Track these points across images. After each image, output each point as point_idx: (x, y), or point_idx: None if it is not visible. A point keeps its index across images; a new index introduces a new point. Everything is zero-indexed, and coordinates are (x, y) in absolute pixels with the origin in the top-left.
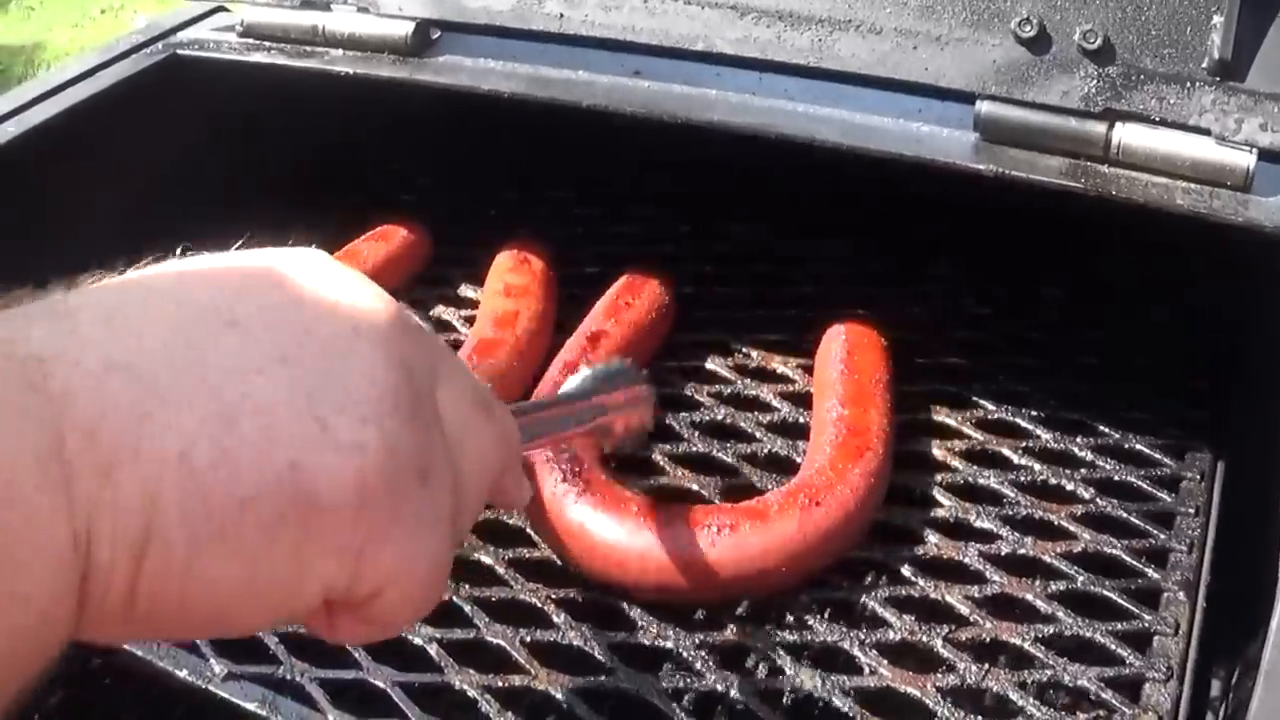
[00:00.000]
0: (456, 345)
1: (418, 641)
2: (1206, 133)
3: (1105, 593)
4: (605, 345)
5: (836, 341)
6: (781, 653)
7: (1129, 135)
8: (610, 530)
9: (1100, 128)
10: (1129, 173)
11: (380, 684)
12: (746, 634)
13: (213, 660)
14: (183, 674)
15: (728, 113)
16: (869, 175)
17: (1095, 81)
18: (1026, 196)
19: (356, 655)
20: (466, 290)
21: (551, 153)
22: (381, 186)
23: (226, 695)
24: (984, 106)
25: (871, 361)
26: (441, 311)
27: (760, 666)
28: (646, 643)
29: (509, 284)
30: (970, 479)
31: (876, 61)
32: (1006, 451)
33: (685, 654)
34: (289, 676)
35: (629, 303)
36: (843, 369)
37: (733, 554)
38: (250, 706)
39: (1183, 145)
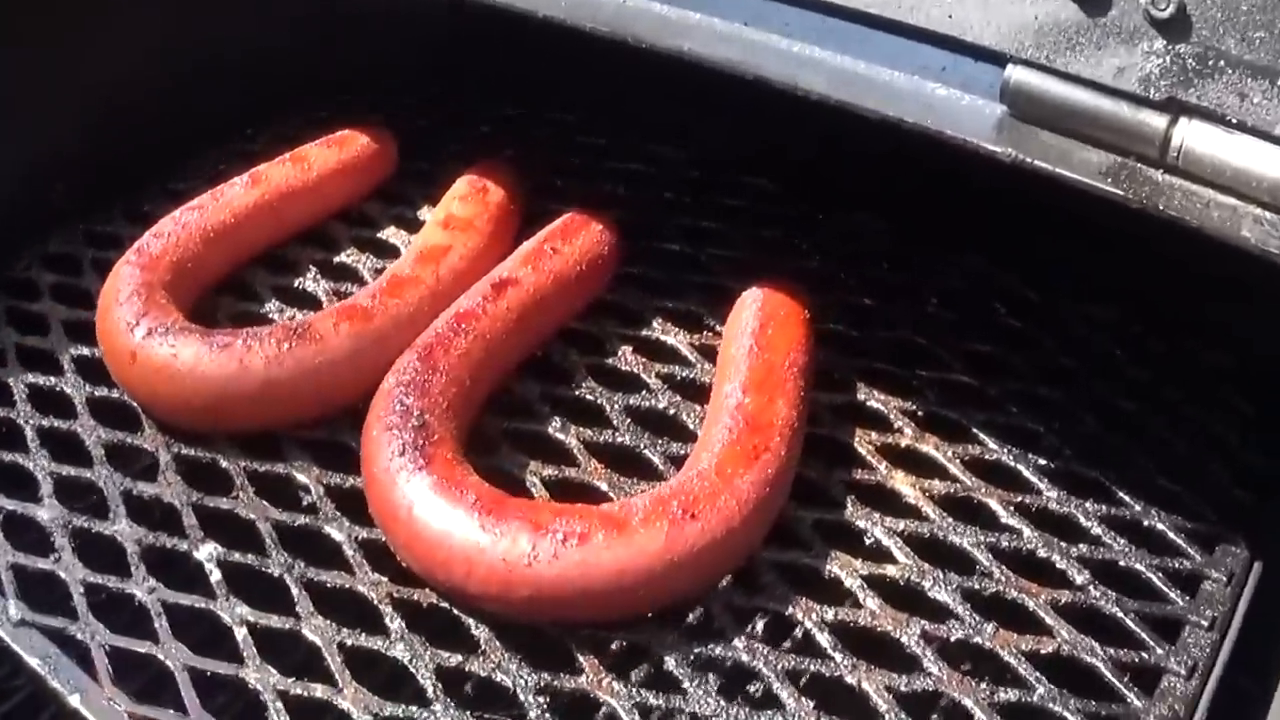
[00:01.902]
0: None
1: (226, 620)
2: None
3: (1066, 715)
4: (512, 296)
5: (749, 310)
6: (637, 717)
7: (1194, 136)
8: (438, 520)
9: (1159, 121)
10: (1188, 184)
11: (171, 664)
12: (603, 686)
13: (11, 601)
14: None
15: (704, 42)
16: (872, 137)
17: (1161, 60)
18: (1052, 194)
19: (156, 627)
20: (425, 213)
21: (561, 73)
22: (372, 89)
23: (10, 642)
24: (1015, 73)
25: (788, 338)
26: (390, 234)
27: None
28: (480, 673)
29: (451, 215)
30: (937, 533)
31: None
32: (994, 504)
33: (521, 695)
34: (80, 637)
35: (555, 249)
36: (752, 345)
37: (579, 570)
38: (33, 662)
39: (1261, 160)
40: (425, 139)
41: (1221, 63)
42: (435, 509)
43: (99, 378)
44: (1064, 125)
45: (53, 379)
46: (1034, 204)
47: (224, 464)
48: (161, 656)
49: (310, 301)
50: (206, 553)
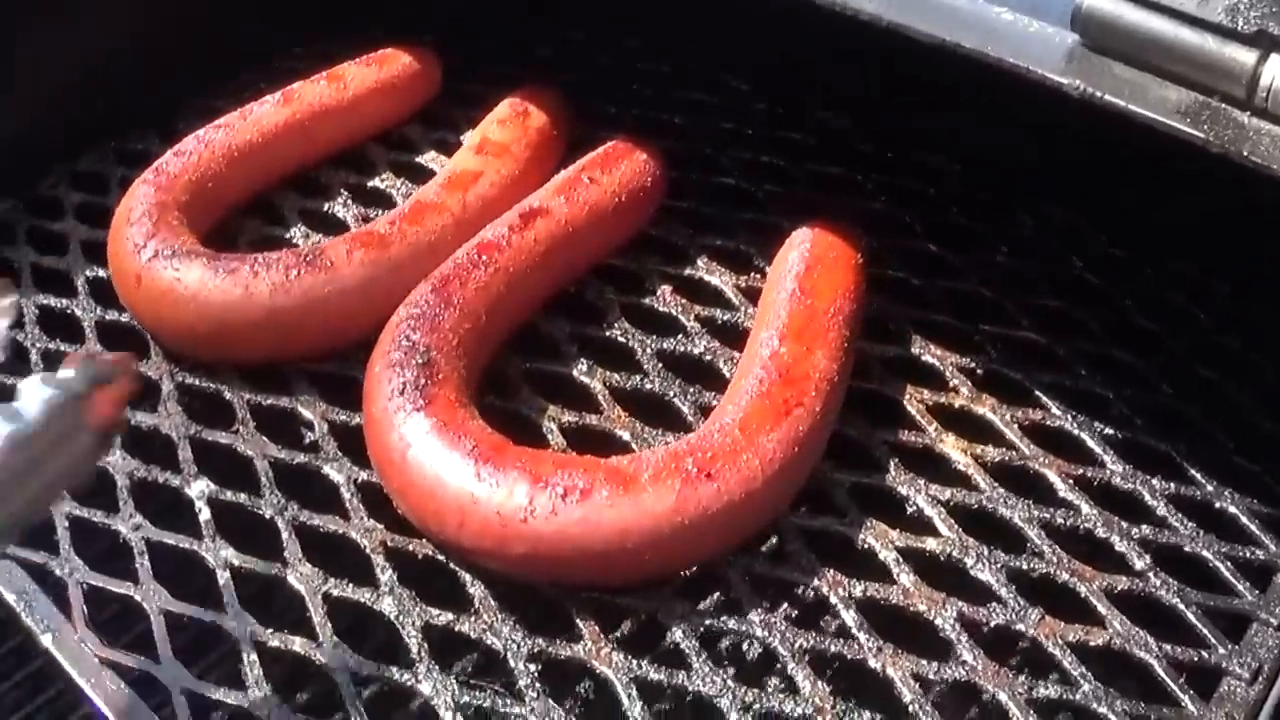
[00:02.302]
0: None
1: (210, 562)
2: None
3: (1110, 716)
4: (541, 227)
5: (796, 251)
6: (634, 691)
7: None
8: (432, 466)
9: (1248, 57)
10: (1275, 129)
11: (147, 607)
12: (601, 656)
13: None
14: None
15: None
16: (941, 71)
17: None
18: (1126, 133)
19: (137, 568)
20: (468, 137)
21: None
22: (424, 9)
23: None
24: None
25: (836, 283)
26: (430, 159)
27: (607, 702)
28: (470, 634)
29: (487, 139)
30: (986, 504)
31: None
32: (1052, 476)
33: (511, 661)
34: (59, 573)
35: (593, 179)
36: (794, 289)
37: (579, 528)
38: (9, 597)
39: None
40: (481, 62)
41: None
42: (430, 453)
43: (111, 301)
44: (1140, 58)
45: (65, 301)
46: (1115, 148)
47: (227, 395)
48: (139, 598)
49: (338, 226)
50: (198, 489)
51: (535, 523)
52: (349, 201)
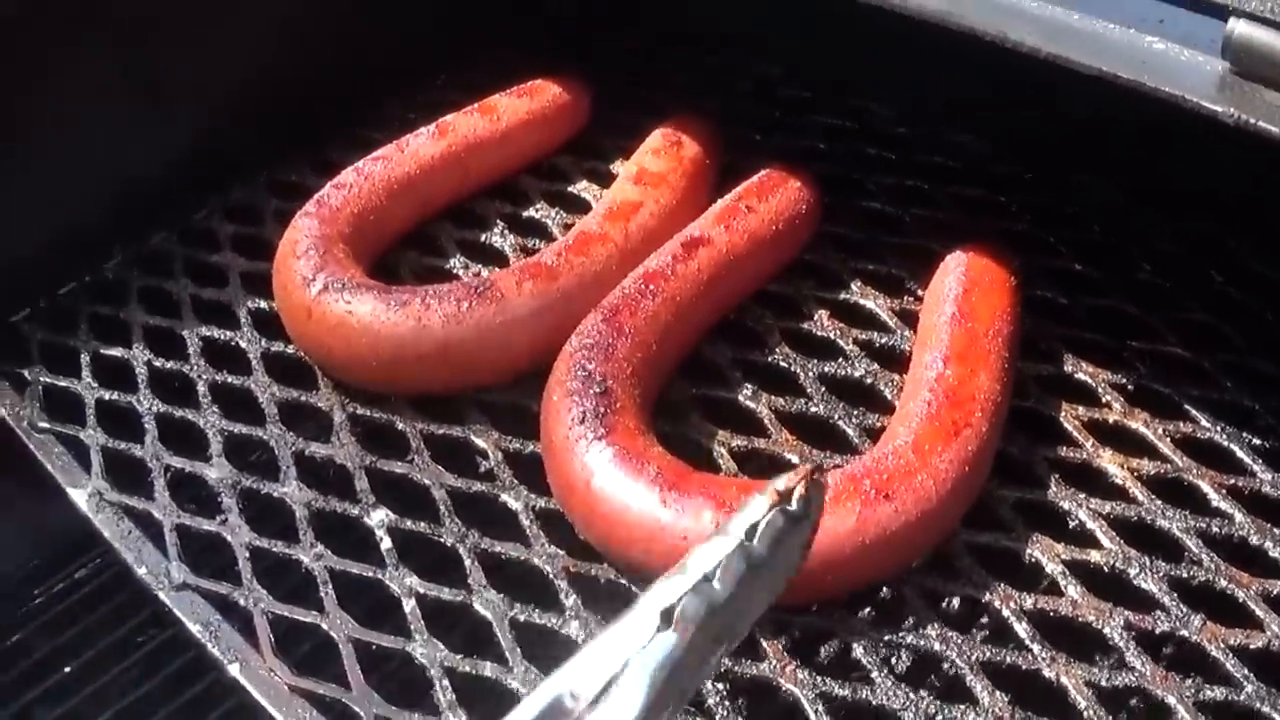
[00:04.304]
0: None
1: (395, 590)
2: None
3: (1274, 715)
4: (704, 255)
5: (952, 274)
6: (821, 709)
7: None
8: (617, 493)
9: None
10: None
11: (335, 635)
12: (786, 673)
13: (174, 563)
14: (140, 571)
15: None
16: (1084, 95)
17: None
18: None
19: (321, 596)
20: (619, 167)
21: (771, 22)
22: (569, 36)
23: (171, 606)
24: (1239, 27)
25: (993, 306)
26: (582, 189)
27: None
28: None
29: (644, 169)
30: (1145, 516)
31: None
32: (1205, 486)
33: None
34: (243, 603)
35: (751, 207)
36: (954, 312)
37: None
38: (194, 628)
39: None
40: (621, 91)
41: None
42: (615, 482)
43: (276, 333)
44: None
45: (229, 333)
46: (1255, 166)
47: (400, 426)
48: (326, 627)
49: (497, 257)
50: (378, 519)
51: None
52: (505, 232)
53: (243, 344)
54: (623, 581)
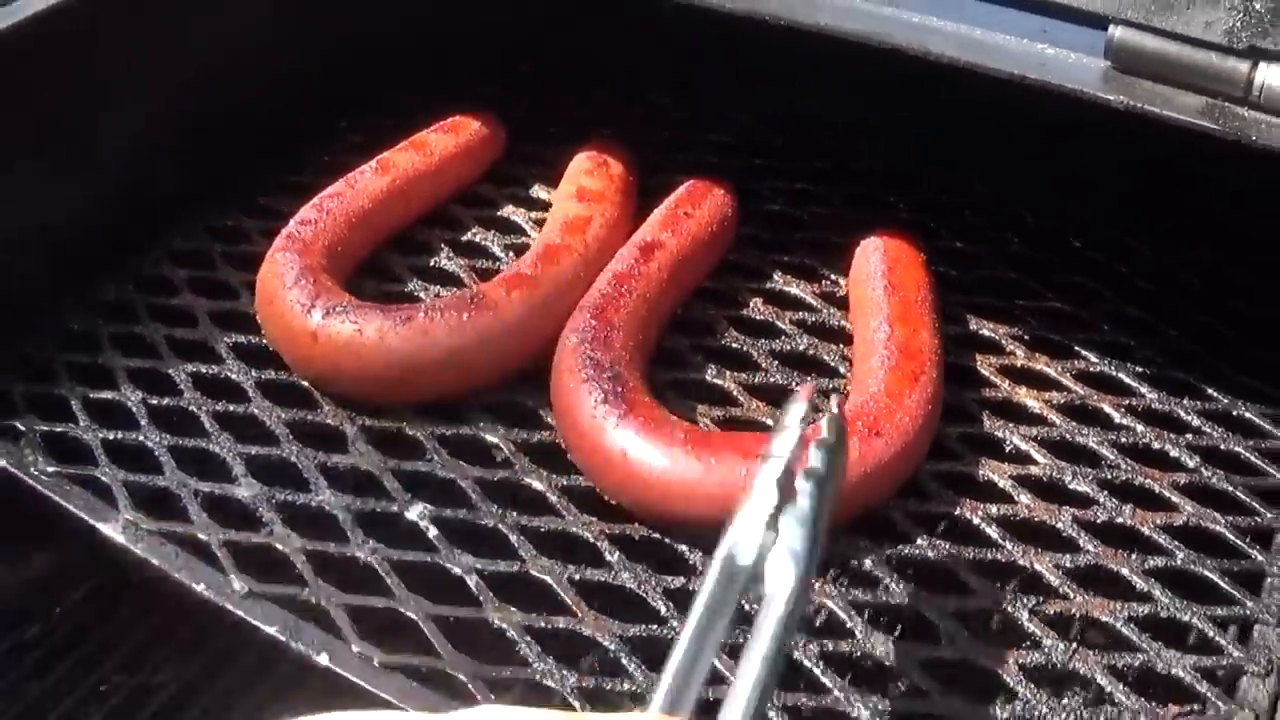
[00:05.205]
0: (523, 249)
1: (456, 572)
2: None
3: (1205, 573)
4: (659, 257)
5: (873, 256)
6: (854, 613)
7: (1274, 77)
8: (653, 459)
9: (1242, 66)
10: (1270, 118)
11: (412, 615)
12: (817, 589)
13: (233, 576)
14: (199, 588)
15: (835, 17)
16: (976, 98)
17: (1241, 16)
18: (1155, 137)
19: (389, 583)
20: (539, 191)
21: (651, 54)
22: (462, 75)
23: (244, 615)
24: (1119, 32)
25: (915, 278)
26: (510, 212)
27: (830, 627)
28: None
29: (583, 188)
30: (1065, 435)
31: None
32: (1107, 408)
33: (745, 605)
34: (314, 600)
35: (688, 213)
36: (886, 285)
37: None
38: (270, 630)
39: None
40: (523, 124)
41: None
42: (649, 450)
43: (263, 363)
44: (1162, 74)
45: (215, 367)
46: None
47: (410, 431)
48: (402, 609)
49: (450, 279)
50: (418, 512)
51: None
52: (451, 255)
53: (233, 376)
54: (656, 535)
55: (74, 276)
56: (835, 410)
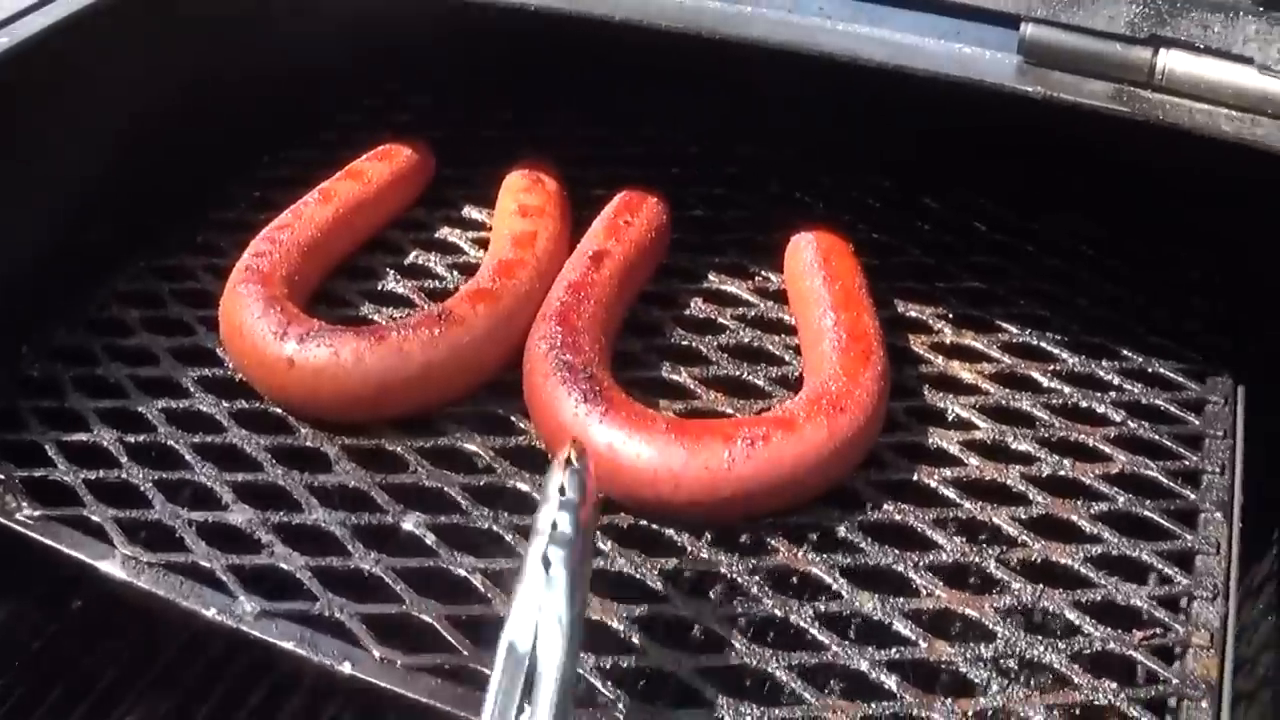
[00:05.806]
0: (467, 268)
1: (460, 573)
2: (1249, 61)
3: (1146, 513)
4: (608, 265)
5: (807, 250)
6: (838, 575)
7: (1173, 62)
8: (639, 449)
9: (1145, 53)
10: (1172, 99)
11: (427, 618)
12: (797, 557)
13: (242, 598)
14: (210, 613)
15: (768, 29)
16: (892, 98)
17: (1141, 8)
18: (1067, 122)
19: (397, 590)
20: (471, 212)
21: (555, 73)
22: (377, 106)
23: (259, 635)
24: (1030, 29)
25: (848, 266)
26: (447, 234)
27: (818, 590)
28: (698, 568)
29: (524, 204)
30: (1000, 401)
31: None
32: (1034, 374)
33: (738, 579)
34: (326, 613)
35: (628, 221)
36: (825, 275)
37: (769, 466)
38: (287, 645)
39: (1226, 73)
40: (442, 147)
41: (1187, 5)
42: (634, 442)
43: (230, 394)
44: (1072, 65)
45: (185, 401)
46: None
47: (390, 447)
48: (416, 613)
49: (401, 301)
50: (413, 521)
51: (736, 468)
52: (398, 279)
53: (204, 409)
54: (642, 522)
55: (24, 325)
56: (577, 463)
